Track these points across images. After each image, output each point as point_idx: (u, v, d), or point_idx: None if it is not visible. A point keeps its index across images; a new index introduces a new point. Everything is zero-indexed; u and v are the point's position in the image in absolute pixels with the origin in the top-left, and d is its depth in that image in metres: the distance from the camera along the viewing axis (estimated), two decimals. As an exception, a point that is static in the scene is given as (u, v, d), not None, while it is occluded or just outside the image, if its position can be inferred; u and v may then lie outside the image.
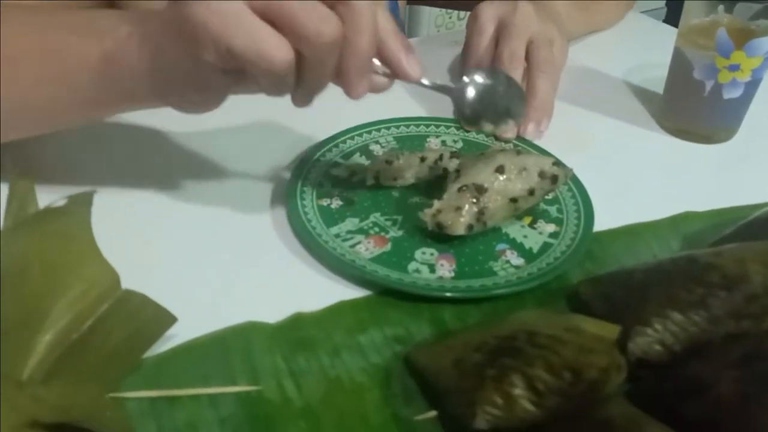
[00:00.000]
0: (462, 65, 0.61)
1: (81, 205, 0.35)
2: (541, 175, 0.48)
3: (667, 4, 1.79)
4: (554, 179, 0.48)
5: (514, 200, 0.47)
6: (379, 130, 0.57)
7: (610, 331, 0.35)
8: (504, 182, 0.47)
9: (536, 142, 0.58)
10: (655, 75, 0.68)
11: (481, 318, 0.42)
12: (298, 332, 0.41)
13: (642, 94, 0.68)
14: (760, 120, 0.62)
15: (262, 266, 0.45)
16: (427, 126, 0.59)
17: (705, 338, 0.37)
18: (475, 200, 0.46)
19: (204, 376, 0.38)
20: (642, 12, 1.74)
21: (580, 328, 0.35)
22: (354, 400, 0.37)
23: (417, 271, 0.45)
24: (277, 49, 0.35)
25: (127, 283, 0.36)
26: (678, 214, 0.52)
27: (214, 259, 0.46)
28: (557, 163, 0.49)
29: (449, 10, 1.50)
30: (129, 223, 0.48)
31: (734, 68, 0.55)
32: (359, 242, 0.46)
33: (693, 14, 0.58)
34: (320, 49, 0.36)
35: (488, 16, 0.60)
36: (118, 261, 0.37)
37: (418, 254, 0.46)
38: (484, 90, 0.47)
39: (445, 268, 0.45)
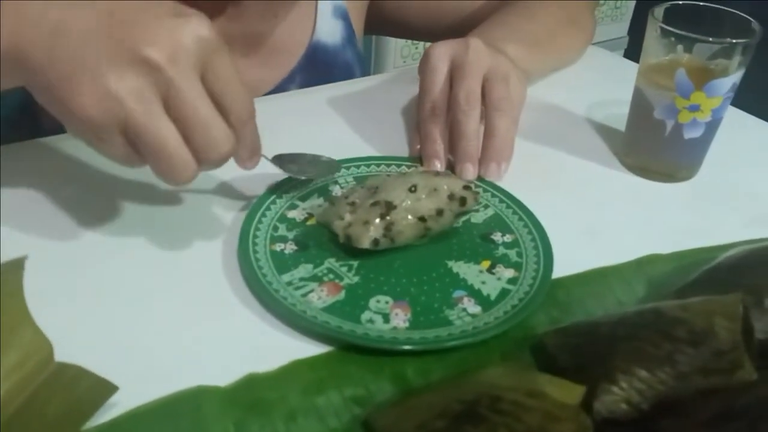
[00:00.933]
0: (418, 109, 0.60)
1: (12, 271, 0.32)
2: (450, 196, 0.49)
3: (629, 34, 1.82)
4: (463, 201, 0.50)
5: (422, 219, 0.48)
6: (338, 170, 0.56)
7: (574, 394, 0.34)
8: (414, 201, 0.48)
9: (498, 182, 0.57)
10: (617, 112, 0.68)
11: (444, 372, 0.41)
12: (252, 395, 0.39)
13: (604, 131, 0.67)
14: (722, 158, 0.62)
15: (212, 323, 0.43)
16: (388, 165, 0.58)
17: (673, 395, 0.35)
18: (382, 216, 0.47)
19: (148, 449, 0.35)
20: (603, 42, 1.78)
21: (544, 393, 0.33)
22: (310, 470, 0.35)
23: (370, 321, 0.43)
24: (183, 171, 0.41)
25: (64, 349, 0.34)
26: (642, 257, 0.51)
27: (157, 318, 0.43)
28: (468, 186, 0.50)
29: (415, 42, 1.50)
30: (64, 285, 0.45)
31: (694, 108, 0.55)
32: (312, 290, 0.45)
33: (652, 53, 0.58)
34: (217, 162, 0.42)
35: (440, 56, 0.59)
36: (52, 327, 0.35)
37: (372, 303, 0.44)
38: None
39: (400, 318, 0.43)
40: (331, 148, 0.56)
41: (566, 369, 0.38)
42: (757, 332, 0.39)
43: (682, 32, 0.54)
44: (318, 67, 0.77)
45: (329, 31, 0.78)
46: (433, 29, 0.83)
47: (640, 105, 0.59)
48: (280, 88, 0.75)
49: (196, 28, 0.40)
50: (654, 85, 0.57)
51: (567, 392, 0.34)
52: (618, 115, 0.67)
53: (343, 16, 0.79)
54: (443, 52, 0.59)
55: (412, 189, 0.48)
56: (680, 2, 0.58)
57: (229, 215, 0.52)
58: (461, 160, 0.57)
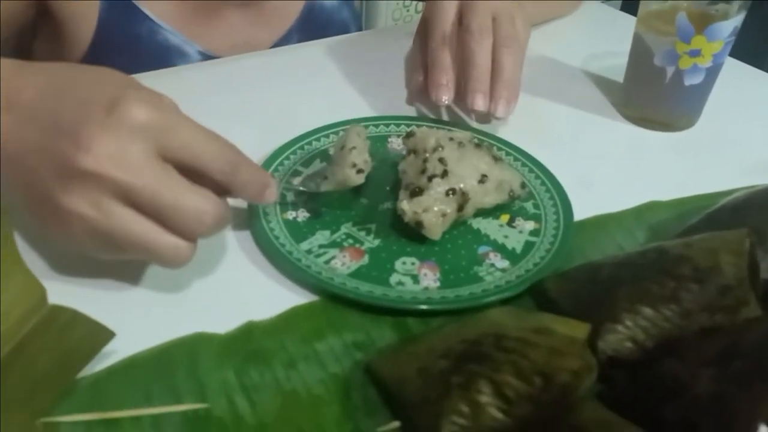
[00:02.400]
0: (428, 41, 0.58)
1: (1, 213, 0.31)
2: (510, 193, 0.47)
3: None
4: (512, 196, 0.47)
5: (479, 211, 0.46)
6: (337, 132, 0.54)
7: (581, 330, 0.33)
8: (482, 195, 0.45)
9: (501, 135, 0.56)
10: (614, 63, 0.67)
11: (445, 319, 0.40)
12: (250, 343, 0.38)
13: (601, 83, 0.66)
14: (721, 106, 0.61)
15: (210, 273, 0.42)
16: (387, 125, 0.56)
17: (678, 334, 0.35)
18: (459, 207, 0.44)
19: (146, 395, 0.35)
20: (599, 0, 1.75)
21: (549, 329, 0.33)
22: (312, 414, 0.35)
23: (400, 283, 0.42)
24: (175, 256, 0.37)
25: (56, 295, 0.33)
26: (642, 204, 0.50)
27: (155, 266, 0.42)
28: (524, 184, 0.48)
29: (406, 3, 1.47)
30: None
31: (695, 54, 0.54)
32: (334, 257, 0.43)
33: (651, -1, 0.56)
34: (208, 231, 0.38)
35: None
36: (46, 272, 0.34)
37: (398, 265, 0.43)
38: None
39: (429, 278, 0.42)
40: (323, 111, 0.55)
41: (568, 313, 0.37)
42: (762, 272, 0.38)
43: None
44: (314, 27, 0.76)
45: None
46: None
47: (639, 52, 0.57)
48: (276, 47, 0.73)
49: (133, 117, 0.35)
50: (654, 30, 0.56)
51: (573, 328, 0.33)
52: (615, 67, 0.66)
53: None
54: None
55: (483, 180, 0.45)
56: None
57: None
58: (473, 90, 0.55)
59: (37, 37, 0.69)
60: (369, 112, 0.59)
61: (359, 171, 0.45)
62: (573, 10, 0.80)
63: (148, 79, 0.60)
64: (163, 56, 0.68)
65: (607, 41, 0.73)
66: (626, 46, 0.60)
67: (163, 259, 0.37)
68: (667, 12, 0.55)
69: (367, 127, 0.55)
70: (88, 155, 0.34)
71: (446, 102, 0.56)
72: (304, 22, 0.75)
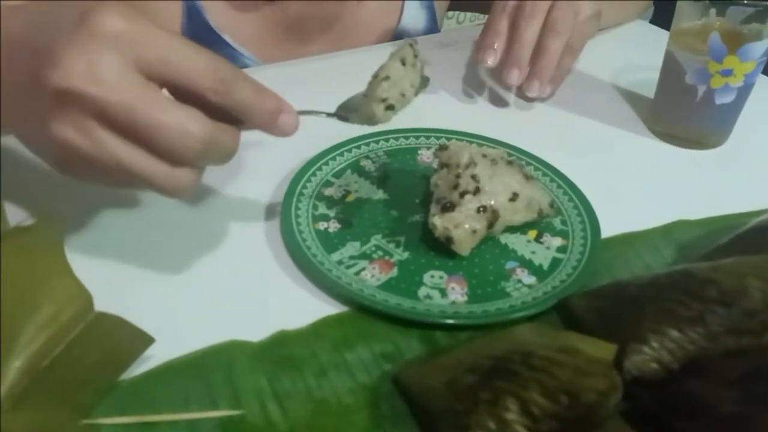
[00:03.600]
0: (492, 8, 0.60)
1: (52, 222, 0.33)
2: (539, 213, 0.47)
3: (654, 4, 1.78)
4: (541, 215, 0.48)
5: (507, 228, 0.47)
6: (368, 144, 0.55)
7: (607, 351, 0.34)
8: (512, 214, 0.46)
9: (529, 146, 0.56)
10: (644, 78, 0.67)
11: (472, 332, 0.41)
12: (282, 351, 0.39)
13: (631, 98, 0.67)
14: (752, 124, 0.61)
15: (244, 282, 0.44)
16: (417, 138, 0.57)
17: (703, 356, 0.36)
18: (489, 225, 0.45)
19: (183, 400, 0.36)
20: None
21: (576, 348, 0.33)
22: (341, 422, 0.36)
23: (428, 296, 0.42)
24: (168, 183, 0.35)
25: (101, 301, 0.34)
26: (670, 223, 0.51)
27: (193, 276, 0.44)
28: (552, 204, 0.49)
29: (449, 15, 1.47)
30: (103, 239, 0.45)
31: (727, 73, 0.54)
32: (364, 268, 0.44)
33: (684, 16, 0.57)
34: (197, 153, 0.34)
35: None
36: (92, 279, 0.35)
37: (426, 278, 0.44)
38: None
39: (457, 292, 0.43)
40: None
41: (593, 331, 0.38)
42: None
43: (716, -3, 0.53)
44: None
45: (414, 17, 0.77)
46: None
47: (671, 70, 0.58)
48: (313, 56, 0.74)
49: (104, 27, 0.32)
50: (686, 49, 0.56)
51: (600, 348, 0.34)
52: (645, 82, 0.66)
53: (429, 6, 0.79)
54: None
55: (513, 198, 0.45)
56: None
57: (267, 194, 0.51)
58: (510, 64, 0.58)
59: None
60: (400, 124, 0.60)
61: (389, 107, 0.41)
62: (643, 12, 0.81)
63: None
64: None
65: (637, 55, 0.74)
66: (656, 61, 0.60)
67: (161, 187, 0.35)
68: (700, 30, 0.55)
69: (397, 139, 0.56)
70: (59, 71, 0.32)
71: (490, 64, 0.58)
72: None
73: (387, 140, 0.56)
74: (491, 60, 0.58)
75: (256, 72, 0.67)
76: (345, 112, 0.45)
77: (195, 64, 0.34)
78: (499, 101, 0.65)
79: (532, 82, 0.59)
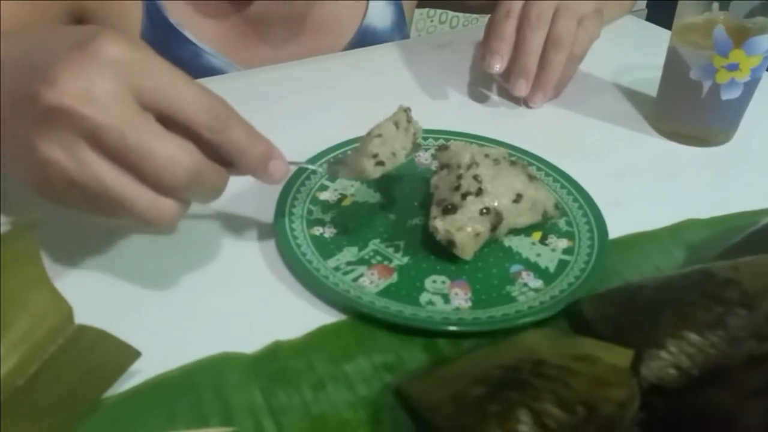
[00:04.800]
0: (492, 14, 0.61)
1: (27, 229, 0.31)
2: (544, 215, 0.45)
3: (647, 5, 1.78)
4: (545, 217, 0.46)
5: (511, 230, 0.45)
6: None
7: (624, 358, 0.32)
8: (515, 216, 0.44)
9: (532, 148, 0.54)
10: (645, 76, 0.65)
11: (478, 341, 0.39)
12: (277, 363, 0.37)
13: (633, 97, 0.65)
14: (758, 120, 0.59)
15: (236, 291, 0.41)
16: (425, 139, 0.55)
17: (725, 362, 0.33)
18: (493, 228, 0.43)
19: (171, 416, 0.34)
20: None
21: (592, 355, 0.31)
22: (341, 439, 0.33)
23: (430, 302, 0.40)
24: (151, 213, 0.34)
25: (83, 313, 0.32)
26: (680, 222, 0.49)
27: (182, 284, 0.41)
28: (557, 205, 0.47)
29: (430, 13, 1.46)
30: (86, 246, 0.43)
31: (733, 68, 0.52)
32: (362, 274, 0.42)
33: (687, 11, 0.55)
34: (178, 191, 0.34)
35: None
36: (73, 290, 0.33)
37: (428, 283, 0.42)
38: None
39: (461, 297, 0.41)
40: (349, 124, 0.54)
41: (606, 336, 0.36)
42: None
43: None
44: None
45: (380, 14, 0.76)
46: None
47: (674, 66, 0.56)
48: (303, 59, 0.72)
49: (105, 53, 0.32)
50: (690, 44, 0.54)
51: (616, 355, 0.32)
52: (646, 80, 0.64)
53: (396, 3, 0.77)
54: None
55: (517, 199, 0.43)
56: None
57: (259, 198, 0.49)
58: (517, 74, 0.59)
59: None
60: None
61: (379, 163, 0.41)
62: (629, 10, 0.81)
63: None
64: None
65: (637, 53, 0.72)
66: (656, 59, 0.59)
67: (142, 214, 0.34)
68: (704, 25, 0.54)
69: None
70: (54, 89, 0.32)
71: (498, 70, 0.59)
72: (355, 47, 0.74)
73: None
74: (498, 66, 0.59)
75: (231, 78, 0.66)
76: (335, 167, 0.45)
77: (192, 98, 0.34)
78: (497, 103, 0.64)
79: (535, 94, 0.61)
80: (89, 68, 0.32)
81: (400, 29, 0.78)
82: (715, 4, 0.54)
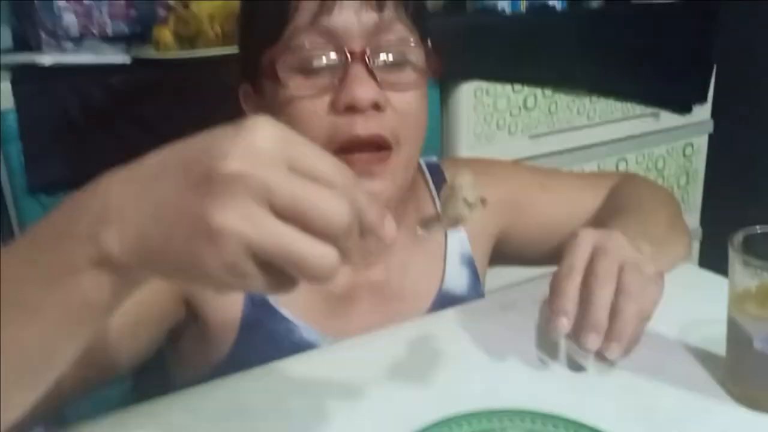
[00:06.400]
0: (556, 271, 0.62)
1: None
2: None
3: (713, 117, 1.78)
4: None
5: None
6: (501, 420, 0.55)
7: None
8: None
9: (602, 417, 0.54)
10: (713, 332, 0.65)
11: None
12: None
13: (702, 356, 0.65)
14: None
15: None
16: (555, 426, 0.55)
17: None
18: None
19: None
20: (686, 126, 1.71)
21: None
22: None
23: None
24: (321, 262, 0.38)
25: None
26: None
27: None
28: None
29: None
30: None
31: (795, 338, 0.53)
32: None
33: (739, 282, 0.57)
34: (343, 231, 0.39)
35: (585, 237, 0.63)
36: None
37: None
38: None
39: None
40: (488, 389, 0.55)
41: None
42: None
43: (765, 262, 0.54)
44: None
45: (457, 279, 0.81)
46: (549, 253, 0.87)
47: (736, 335, 0.57)
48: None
49: (263, 127, 0.38)
50: (748, 315, 0.56)
51: None
52: (715, 337, 0.64)
53: (469, 263, 0.83)
54: (589, 235, 0.63)
55: None
56: (758, 230, 0.58)
57: None
58: (588, 329, 0.59)
59: (182, 336, 0.75)
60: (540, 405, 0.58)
61: (470, 206, 0.46)
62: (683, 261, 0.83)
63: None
64: (297, 352, 0.71)
65: (699, 306, 0.72)
66: (720, 310, 0.59)
67: (314, 266, 0.38)
68: (757, 294, 0.55)
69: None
70: (228, 161, 0.37)
71: (565, 330, 0.59)
72: (437, 309, 0.78)
73: (523, 420, 0.55)
74: (567, 324, 0.60)
75: (324, 352, 0.70)
76: (431, 225, 0.50)
77: (334, 163, 0.40)
78: (561, 371, 0.64)
79: (610, 344, 0.59)
80: (254, 138, 0.38)
81: (476, 290, 0.83)
82: (766, 274, 0.56)
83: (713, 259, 0.77)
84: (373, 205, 0.41)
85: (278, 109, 0.68)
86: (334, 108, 0.67)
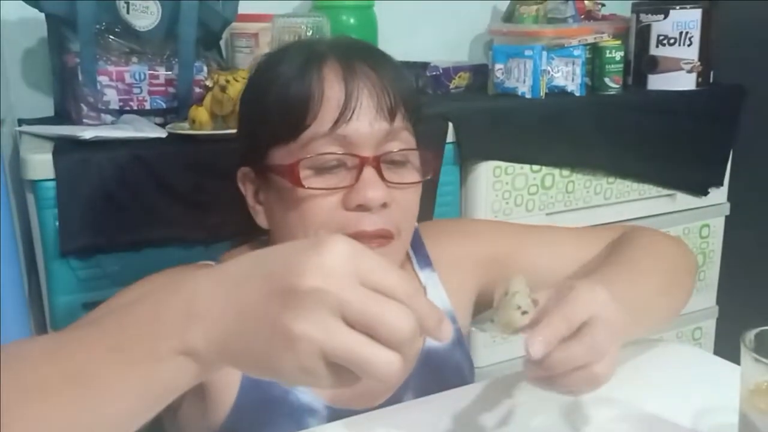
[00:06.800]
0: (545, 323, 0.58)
1: None
2: None
3: (729, 199, 1.77)
4: None
5: None
6: None
7: None
8: None
9: None
10: (727, 421, 0.65)
11: None
12: None
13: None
14: None
15: None
16: None
17: None
18: None
19: None
20: (702, 207, 1.69)
21: None
22: None
23: None
24: (386, 368, 0.42)
25: None
26: None
27: None
28: None
29: (505, 195, 1.42)
30: None
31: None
32: None
33: (750, 379, 0.58)
34: (408, 340, 0.43)
35: (587, 305, 0.58)
36: None
37: None
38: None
39: None
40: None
41: None
42: None
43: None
44: (431, 371, 0.81)
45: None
46: None
47: (748, 430, 0.58)
48: (396, 396, 0.78)
49: (337, 245, 0.43)
50: (759, 411, 0.57)
51: None
52: (729, 426, 0.64)
53: (452, 319, 0.85)
54: (590, 301, 0.58)
55: None
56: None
57: None
58: (541, 341, 0.54)
59: (184, 398, 0.76)
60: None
61: (524, 312, 0.48)
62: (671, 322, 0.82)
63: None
64: (295, 414, 0.74)
65: (712, 391, 0.73)
66: (732, 398, 0.59)
67: (380, 370, 0.42)
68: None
69: None
70: (305, 277, 0.42)
71: (538, 356, 0.53)
72: (421, 368, 0.80)
73: None
74: (538, 352, 0.54)
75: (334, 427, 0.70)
76: (482, 326, 0.53)
77: (398, 275, 0.44)
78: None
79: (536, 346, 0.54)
80: (328, 256, 0.43)
81: (460, 345, 0.85)
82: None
83: (729, 336, 0.77)
84: (432, 311, 0.45)
85: (289, 199, 0.74)
86: (344, 204, 0.73)
